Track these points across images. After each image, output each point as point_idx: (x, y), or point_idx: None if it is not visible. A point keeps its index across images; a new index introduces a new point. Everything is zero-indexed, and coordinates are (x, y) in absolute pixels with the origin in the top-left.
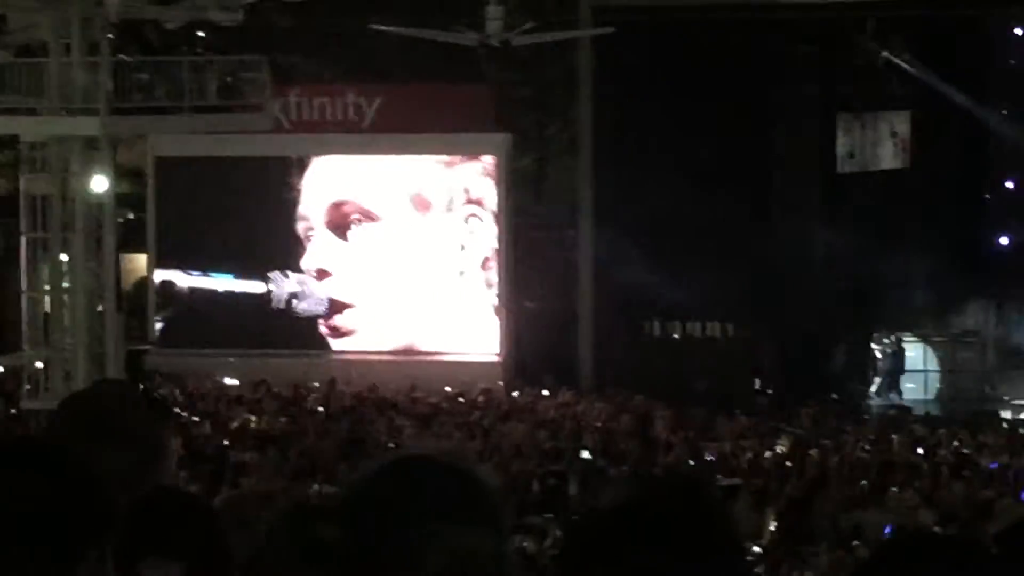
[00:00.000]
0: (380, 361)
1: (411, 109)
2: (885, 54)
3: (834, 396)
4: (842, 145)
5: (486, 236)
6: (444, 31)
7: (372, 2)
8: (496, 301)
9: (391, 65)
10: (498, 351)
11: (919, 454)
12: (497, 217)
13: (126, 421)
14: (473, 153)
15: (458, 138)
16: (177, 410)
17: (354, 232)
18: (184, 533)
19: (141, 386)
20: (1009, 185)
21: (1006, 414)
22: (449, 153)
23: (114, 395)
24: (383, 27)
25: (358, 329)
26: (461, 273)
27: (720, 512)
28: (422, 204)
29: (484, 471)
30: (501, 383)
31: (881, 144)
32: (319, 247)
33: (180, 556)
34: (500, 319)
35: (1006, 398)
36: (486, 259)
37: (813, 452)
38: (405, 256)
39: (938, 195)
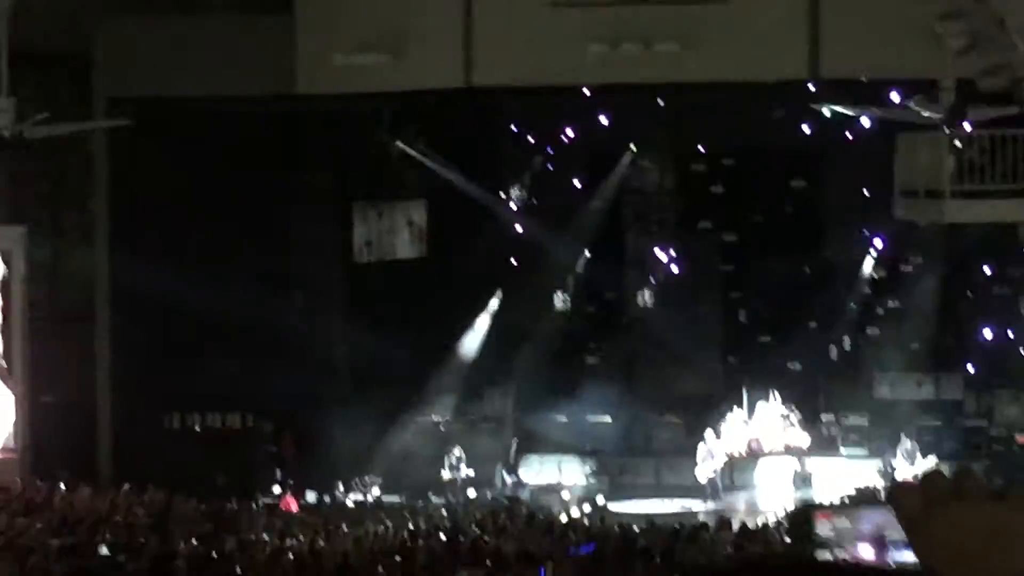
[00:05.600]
0: None
1: None
2: (399, 144)
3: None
4: (359, 235)
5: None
6: None
7: None
8: (12, 394)
9: None
10: (14, 446)
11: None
12: (7, 310)
13: None
14: None
15: None
16: None
17: None
18: None
19: None
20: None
21: (526, 497)
22: None
23: None
24: None
25: None
26: None
27: None
28: None
29: None
30: (18, 479)
31: (398, 233)
32: None
33: None
34: (16, 413)
35: (527, 482)
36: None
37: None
38: None
39: (456, 282)
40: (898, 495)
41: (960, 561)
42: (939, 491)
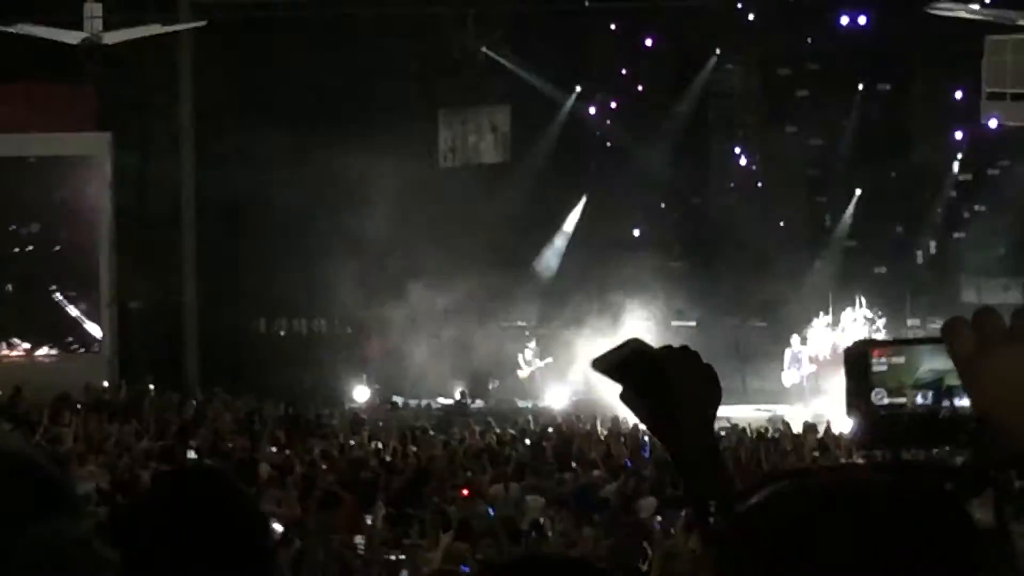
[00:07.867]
0: None
1: (11, 108)
2: (484, 49)
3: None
4: (443, 140)
5: (85, 235)
6: (44, 28)
7: None
8: (103, 300)
9: None
10: (104, 350)
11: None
12: (99, 216)
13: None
14: (76, 153)
15: (61, 138)
16: None
17: None
18: None
19: None
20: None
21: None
22: (52, 153)
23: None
24: None
25: None
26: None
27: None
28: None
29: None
30: (107, 383)
31: (482, 138)
32: None
33: None
34: (105, 318)
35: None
36: (88, 259)
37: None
38: None
39: (539, 187)
40: (951, 332)
41: (1012, 399)
42: (993, 331)
